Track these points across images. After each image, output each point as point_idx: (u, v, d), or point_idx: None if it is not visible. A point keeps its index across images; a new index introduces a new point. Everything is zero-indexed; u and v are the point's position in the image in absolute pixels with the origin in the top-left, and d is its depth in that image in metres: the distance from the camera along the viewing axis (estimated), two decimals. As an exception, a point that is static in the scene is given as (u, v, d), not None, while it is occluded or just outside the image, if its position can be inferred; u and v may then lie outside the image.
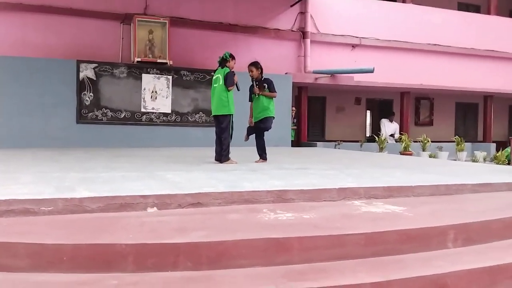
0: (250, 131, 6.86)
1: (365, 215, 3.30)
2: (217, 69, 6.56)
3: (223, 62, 6.49)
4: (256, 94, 6.65)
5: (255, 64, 6.77)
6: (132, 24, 10.93)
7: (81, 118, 10.36)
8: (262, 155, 6.76)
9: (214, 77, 6.57)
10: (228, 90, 6.34)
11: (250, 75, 6.74)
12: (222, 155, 6.39)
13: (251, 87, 6.75)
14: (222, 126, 6.42)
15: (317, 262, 2.65)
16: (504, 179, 4.87)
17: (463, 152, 12.06)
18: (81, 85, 10.37)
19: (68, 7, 10.70)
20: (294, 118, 12.93)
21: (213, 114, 6.58)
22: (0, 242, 2.48)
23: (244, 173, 5.04)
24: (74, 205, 3.16)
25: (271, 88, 6.70)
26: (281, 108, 11.19)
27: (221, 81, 6.36)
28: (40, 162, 6.28)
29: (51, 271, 2.40)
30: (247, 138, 6.91)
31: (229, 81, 6.32)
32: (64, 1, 10.67)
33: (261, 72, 6.79)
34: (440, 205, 3.76)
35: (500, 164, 9.67)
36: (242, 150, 8.36)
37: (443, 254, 2.90)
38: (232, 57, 6.52)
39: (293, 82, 12.36)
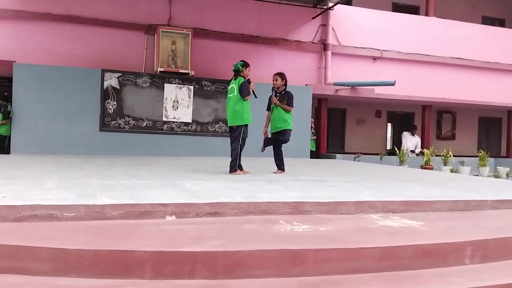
0: (267, 142, 6.90)
1: (382, 229, 3.30)
2: (231, 79, 6.55)
3: (236, 72, 6.49)
4: (274, 104, 6.70)
5: (281, 75, 6.83)
6: (156, 34, 11.14)
7: (104, 126, 10.56)
8: (280, 166, 6.78)
9: (229, 87, 6.57)
10: (244, 100, 6.34)
11: (274, 84, 6.80)
12: (230, 166, 6.34)
13: (271, 96, 6.80)
14: (233, 135, 6.42)
15: (331, 275, 2.66)
16: (526, 196, 4.79)
17: (485, 168, 11.85)
18: (105, 94, 10.60)
19: (95, 17, 10.98)
20: (313, 129, 12.94)
21: (229, 124, 6.57)
22: (24, 246, 2.57)
23: (261, 184, 5.08)
24: (95, 211, 3.25)
25: (289, 102, 6.73)
26: (301, 120, 11.23)
27: (236, 92, 6.34)
28: (64, 169, 6.43)
29: (72, 275, 2.48)
30: (263, 149, 6.94)
31: (245, 91, 6.30)
32: (91, 12, 10.97)
33: (285, 84, 6.85)
34: (458, 221, 3.73)
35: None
36: (260, 160, 8.41)
37: (459, 270, 2.88)
38: (245, 66, 6.49)
39: (313, 94, 12.39)
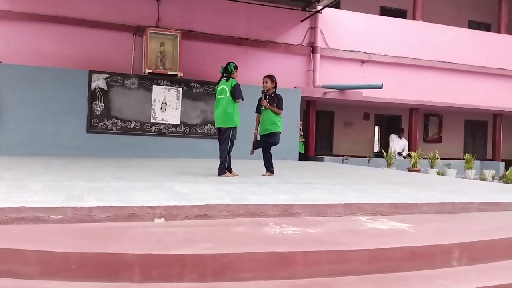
0: (256, 145, 6.89)
1: (370, 231, 3.32)
2: (220, 80, 6.48)
3: (228, 73, 6.44)
4: (264, 107, 6.71)
5: (271, 77, 6.84)
6: (144, 36, 11.10)
7: (91, 127, 10.48)
8: (269, 168, 6.79)
9: (218, 88, 6.46)
10: (236, 102, 6.33)
11: (264, 86, 6.80)
12: (219, 168, 6.30)
13: (260, 99, 6.80)
14: (222, 137, 6.37)
15: (320, 277, 2.66)
16: None
17: (471, 170, 11.98)
18: (93, 95, 10.52)
19: (82, 18, 10.91)
20: (302, 131, 12.98)
21: (217, 126, 6.51)
22: (10, 249, 2.53)
23: (250, 186, 5.07)
24: (83, 214, 3.21)
25: (279, 105, 6.74)
26: (289, 122, 11.24)
27: (228, 93, 6.31)
28: (50, 171, 6.36)
29: (59, 278, 2.44)
30: (252, 152, 6.93)
31: (238, 93, 6.29)
32: (79, 12, 10.89)
33: (275, 87, 6.85)
34: (446, 223, 3.76)
35: (508, 183, 9.60)
36: (249, 162, 8.40)
37: (447, 272, 2.90)
38: (236, 68, 6.48)
39: (301, 96, 12.44)
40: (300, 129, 12.79)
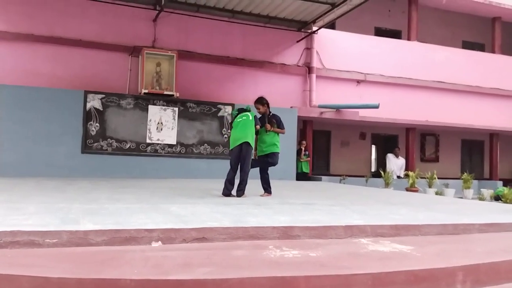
0: (254, 164, 6.85)
1: (373, 254, 3.27)
2: (239, 113, 6.71)
3: (244, 111, 6.69)
4: (266, 131, 6.70)
5: (260, 101, 6.86)
6: (140, 56, 11.14)
7: (86, 148, 10.43)
8: (267, 189, 6.75)
9: (239, 119, 6.59)
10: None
11: (258, 112, 6.83)
12: (239, 189, 6.30)
13: (264, 123, 6.79)
14: (245, 155, 6.34)
15: (323, 302, 2.61)
16: (512, 219, 4.83)
17: (469, 190, 11.99)
18: (88, 115, 10.49)
19: (78, 38, 10.95)
20: (305, 151, 12.97)
21: (240, 142, 6.39)
22: (4, 274, 2.46)
23: (248, 208, 5.02)
24: (79, 237, 3.15)
25: (281, 125, 6.83)
26: (285, 142, 11.22)
27: (251, 117, 6.51)
28: (45, 192, 6.28)
29: (54, 305, 2.38)
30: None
31: (257, 122, 6.57)
32: (74, 33, 10.93)
33: (268, 107, 6.86)
34: (448, 245, 3.73)
35: (508, 202, 9.58)
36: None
37: (452, 296, 2.86)
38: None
39: (298, 116, 12.46)
40: (302, 148, 12.82)
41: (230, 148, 6.56)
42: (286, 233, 3.67)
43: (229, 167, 6.46)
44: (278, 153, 6.76)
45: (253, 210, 4.82)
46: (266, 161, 6.74)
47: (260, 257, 3.05)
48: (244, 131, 6.41)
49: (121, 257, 2.90)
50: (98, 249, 3.12)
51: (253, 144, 6.43)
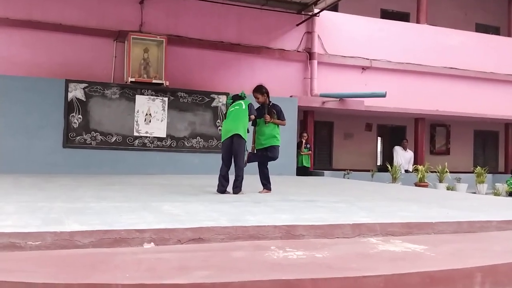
0: (253, 158, 6.81)
1: (383, 254, 3.27)
2: (234, 101, 6.70)
3: (239, 98, 6.67)
4: (266, 122, 6.66)
5: (259, 90, 6.77)
6: (126, 41, 11.07)
7: (68, 141, 10.38)
8: (266, 185, 6.74)
9: (231, 109, 6.60)
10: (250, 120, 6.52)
11: (257, 102, 6.78)
12: (235, 186, 6.29)
13: (256, 109, 6.75)
14: (237, 148, 6.29)
15: (332, 307, 2.61)
16: (532, 215, 4.84)
17: (483, 185, 12.03)
18: (70, 106, 10.44)
19: (58, 23, 10.86)
20: (306, 143, 12.93)
21: (231, 134, 6.34)
22: (-17, 280, 2.45)
23: (246, 205, 5.02)
24: (64, 239, 3.13)
25: (281, 116, 6.76)
26: (285, 134, 11.21)
27: (244, 106, 6.48)
28: (23, 190, 6.26)
29: (39, 313, 2.37)
30: (245, 165, 6.84)
31: (252, 111, 6.53)
32: (54, 17, 10.85)
33: (268, 96, 6.81)
34: (464, 244, 3.73)
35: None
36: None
37: (470, 299, 2.87)
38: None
39: (298, 106, 12.44)
40: (303, 141, 12.79)
41: (222, 141, 6.54)
42: (289, 233, 3.66)
43: None
44: (279, 146, 6.72)
45: (252, 208, 4.81)
46: (266, 155, 6.71)
47: (262, 259, 3.04)
48: (235, 122, 6.36)
49: (111, 260, 2.89)
50: (86, 251, 3.11)
51: (245, 137, 6.33)
